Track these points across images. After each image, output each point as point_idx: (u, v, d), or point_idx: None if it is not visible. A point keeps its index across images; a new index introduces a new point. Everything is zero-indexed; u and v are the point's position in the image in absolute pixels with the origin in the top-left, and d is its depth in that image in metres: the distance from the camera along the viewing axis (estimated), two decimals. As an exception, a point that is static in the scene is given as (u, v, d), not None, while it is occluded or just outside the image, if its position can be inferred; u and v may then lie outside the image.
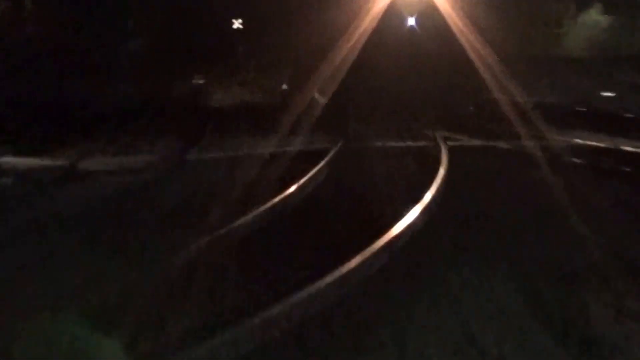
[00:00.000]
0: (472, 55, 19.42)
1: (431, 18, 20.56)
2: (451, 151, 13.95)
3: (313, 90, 19.42)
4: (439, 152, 13.73)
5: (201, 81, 23.29)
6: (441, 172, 11.44)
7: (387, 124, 18.41)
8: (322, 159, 12.79)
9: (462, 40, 19.61)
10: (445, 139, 15.59)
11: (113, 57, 21.69)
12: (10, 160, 13.51)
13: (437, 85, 20.19)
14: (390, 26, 20.80)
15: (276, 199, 9.64)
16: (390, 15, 20.66)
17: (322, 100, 19.32)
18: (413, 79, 20.20)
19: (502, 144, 15.37)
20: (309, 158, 12.89)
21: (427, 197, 9.70)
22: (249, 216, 8.85)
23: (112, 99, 19.61)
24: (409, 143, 16.00)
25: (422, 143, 15.83)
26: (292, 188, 10.35)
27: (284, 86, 22.12)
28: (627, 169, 12.65)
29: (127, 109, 18.76)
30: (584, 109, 19.31)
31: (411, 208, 9.03)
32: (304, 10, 21.10)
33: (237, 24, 24.82)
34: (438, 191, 10.22)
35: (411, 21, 21.62)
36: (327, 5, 20.48)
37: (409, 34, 21.52)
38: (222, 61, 23.28)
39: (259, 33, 23.74)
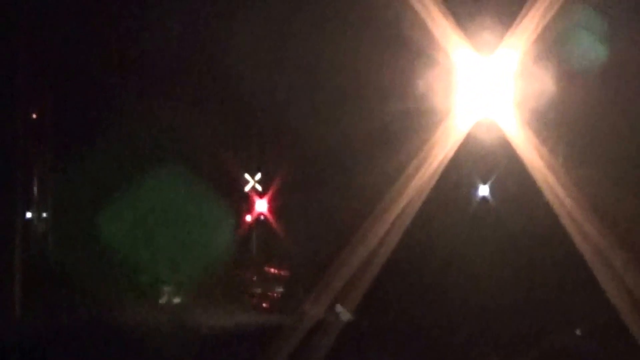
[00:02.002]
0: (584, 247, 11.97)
1: (517, 183, 13.03)
2: None
3: (333, 299, 12.52)
4: None
5: (176, 300, 15.17)
6: None
7: None
8: None
9: (570, 222, 12.09)
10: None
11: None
12: None
13: (525, 287, 12.63)
14: (450, 196, 13.29)
15: None
16: (451, 179, 13.06)
17: (346, 316, 12.48)
18: (485, 280, 12.67)
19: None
20: None
21: None
22: None
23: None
24: None
25: None
26: None
27: (305, 301, 13.72)
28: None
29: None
30: None
31: None
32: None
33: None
34: None
35: (483, 189, 14.01)
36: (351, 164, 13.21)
37: (481, 209, 13.87)
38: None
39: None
